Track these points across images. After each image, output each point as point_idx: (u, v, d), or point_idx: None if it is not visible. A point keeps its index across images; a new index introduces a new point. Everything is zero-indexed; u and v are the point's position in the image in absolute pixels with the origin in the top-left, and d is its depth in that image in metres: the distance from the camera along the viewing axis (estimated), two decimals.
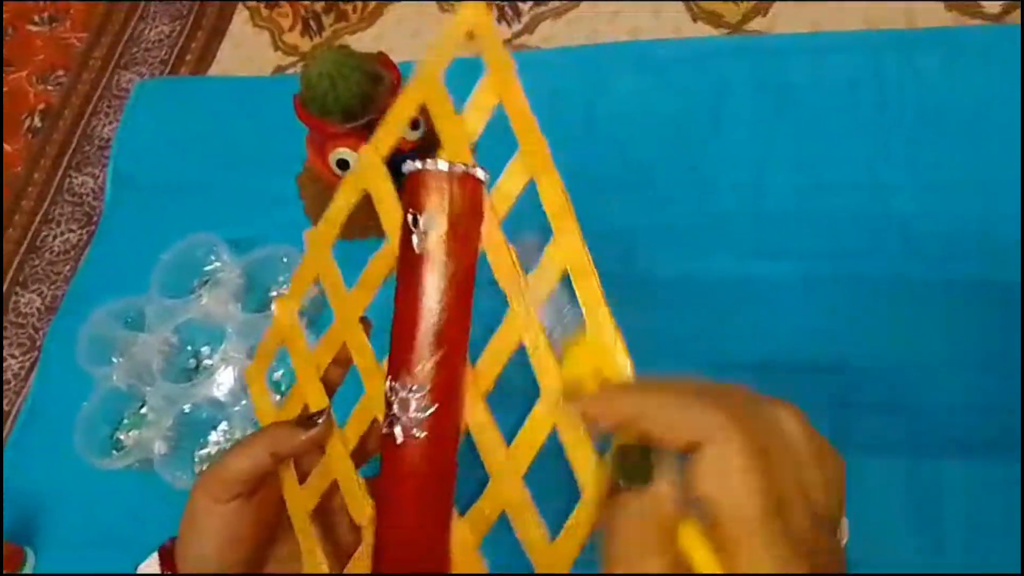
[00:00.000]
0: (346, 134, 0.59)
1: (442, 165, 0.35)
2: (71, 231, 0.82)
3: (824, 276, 0.60)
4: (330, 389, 0.41)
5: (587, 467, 0.34)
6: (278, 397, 0.64)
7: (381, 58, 0.62)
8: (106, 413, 0.64)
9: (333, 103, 0.58)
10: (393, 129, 0.39)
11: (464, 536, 0.36)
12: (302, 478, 0.41)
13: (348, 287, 0.40)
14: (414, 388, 0.34)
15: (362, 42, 0.87)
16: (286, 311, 0.42)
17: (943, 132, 0.64)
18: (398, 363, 0.35)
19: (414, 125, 0.60)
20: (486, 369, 0.36)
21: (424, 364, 0.34)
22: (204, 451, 0.62)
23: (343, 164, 0.60)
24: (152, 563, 0.40)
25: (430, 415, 0.35)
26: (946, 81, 0.65)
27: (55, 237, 0.82)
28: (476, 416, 0.36)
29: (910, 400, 0.55)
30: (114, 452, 0.63)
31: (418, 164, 0.35)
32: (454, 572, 0.36)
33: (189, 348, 0.66)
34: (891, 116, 0.65)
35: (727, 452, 0.26)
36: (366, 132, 0.60)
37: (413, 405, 0.34)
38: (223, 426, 0.63)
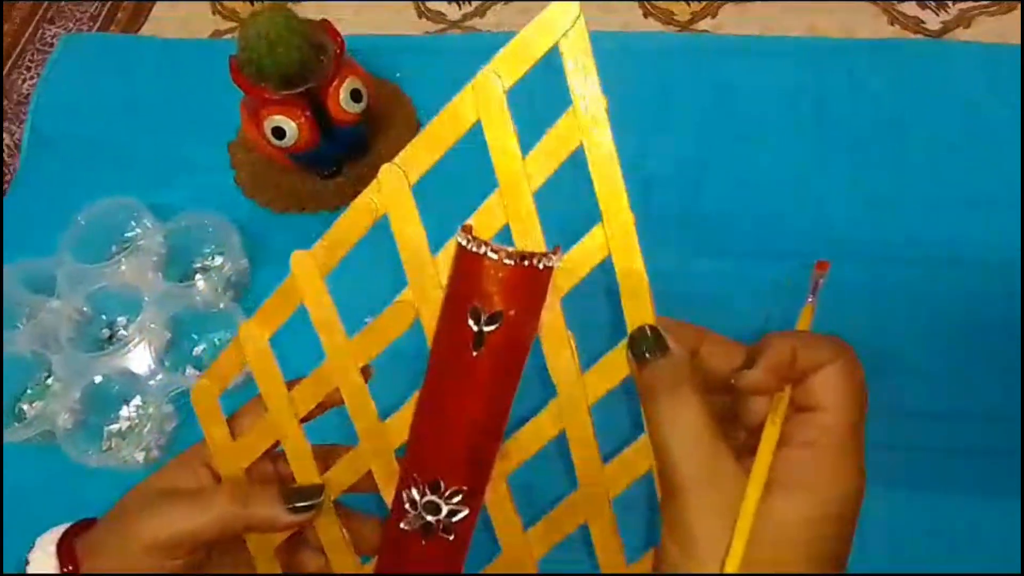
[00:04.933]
0: (282, 101, 0.57)
1: (510, 260, 0.30)
2: None
3: (758, 277, 0.60)
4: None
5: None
6: (196, 371, 0.61)
7: (325, 26, 0.60)
8: (7, 381, 0.60)
9: (270, 67, 0.55)
10: (435, 145, 0.32)
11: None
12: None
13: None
14: (448, 493, 0.33)
15: (306, 11, 0.83)
16: (254, 338, 0.36)
17: (878, 142, 0.65)
18: (428, 464, 0.33)
19: (355, 97, 0.58)
20: (515, 454, 0.34)
21: (462, 469, 0.33)
22: (114, 426, 0.59)
23: (278, 132, 0.58)
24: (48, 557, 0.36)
25: (462, 519, 0.34)
26: (884, 92, 0.67)
27: None
28: (496, 492, 0.35)
29: None
30: (15, 424, 0.59)
31: (490, 253, 0.31)
32: None
33: (103, 317, 0.63)
34: (828, 123, 0.66)
35: (847, 370, 0.30)
36: (304, 100, 0.58)
37: (445, 510, 0.33)
38: (136, 401, 0.59)
